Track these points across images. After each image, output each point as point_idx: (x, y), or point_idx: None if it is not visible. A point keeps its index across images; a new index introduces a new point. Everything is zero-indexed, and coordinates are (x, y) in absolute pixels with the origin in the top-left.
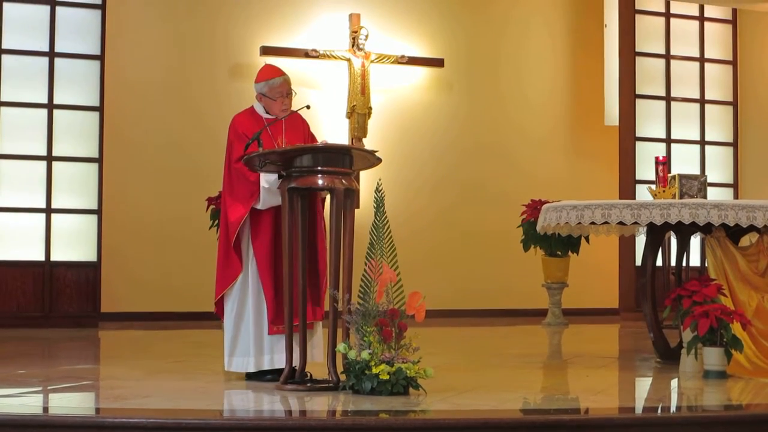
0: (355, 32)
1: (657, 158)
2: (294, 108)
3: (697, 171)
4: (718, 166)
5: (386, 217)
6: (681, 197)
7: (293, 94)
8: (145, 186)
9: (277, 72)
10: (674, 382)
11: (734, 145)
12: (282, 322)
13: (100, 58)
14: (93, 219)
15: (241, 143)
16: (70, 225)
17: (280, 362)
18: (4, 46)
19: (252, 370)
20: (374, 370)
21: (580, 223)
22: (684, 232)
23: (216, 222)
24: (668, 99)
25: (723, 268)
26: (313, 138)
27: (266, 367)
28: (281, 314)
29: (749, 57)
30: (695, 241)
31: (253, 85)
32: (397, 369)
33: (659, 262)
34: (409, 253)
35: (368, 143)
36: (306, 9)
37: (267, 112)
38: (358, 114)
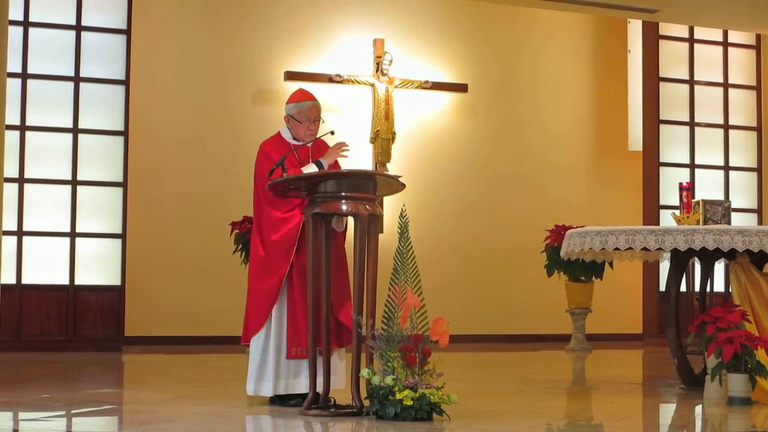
0: (379, 57)
1: (681, 184)
2: (318, 134)
3: (721, 196)
4: (742, 192)
5: (410, 242)
6: (705, 223)
7: (321, 121)
8: (169, 210)
9: (309, 96)
10: (698, 409)
11: (758, 170)
12: (302, 346)
13: (125, 83)
14: (117, 243)
15: (271, 166)
16: (94, 249)
17: (295, 387)
18: (29, 71)
19: (268, 394)
20: (398, 396)
21: (603, 248)
22: (708, 257)
23: (239, 246)
24: (692, 124)
25: (747, 295)
26: (337, 165)
27: (282, 392)
28: (302, 339)
29: None
30: (719, 267)
31: (284, 106)
32: (421, 395)
33: (683, 288)
34: (433, 278)
35: (392, 168)
36: (330, 34)
37: (294, 138)
38: (382, 139)
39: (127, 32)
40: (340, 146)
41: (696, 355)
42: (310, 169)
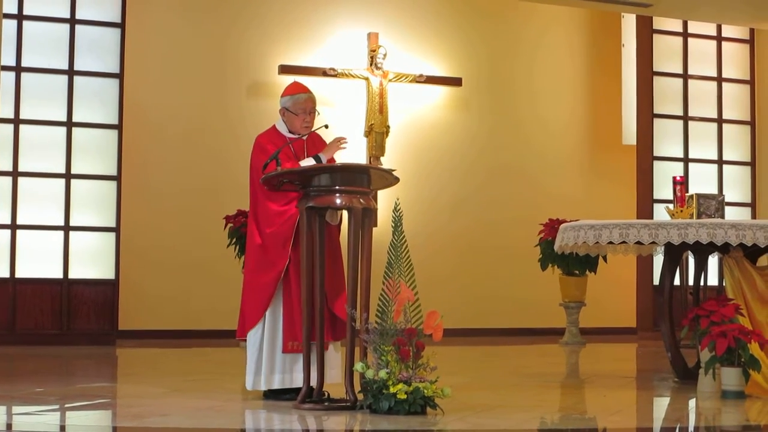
0: (374, 51)
1: (674, 178)
2: (314, 127)
3: (714, 190)
4: (736, 186)
5: (404, 236)
6: (699, 217)
7: (317, 113)
8: (163, 204)
9: (304, 89)
10: (692, 402)
11: (752, 164)
12: (297, 340)
13: (119, 76)
14: (111, 237)
15: (267, 159)
16: (88, 243)
17: (292, 381)
18: (23, 64)
19: (266, 388)
20: (392, 390)
21: (597, 242)
22: (702, 251)
23: (234, 240)
24: (686, 118)
25: (741, 288)
26: (332, 158)
27: (278, 386)
28: (297, 333)
29: (767, 76)
30: (713, 261)
31: (279, 100)
32: (415, 388)
33: (677, 282)
34: (427, 272)
35: (386, 162)
36: (324, 28)
37: (289, 131)
38: (376, 133)
39: (121, 25)
40: (339, 141)
41: (689, 349)
42: (309, 163)
